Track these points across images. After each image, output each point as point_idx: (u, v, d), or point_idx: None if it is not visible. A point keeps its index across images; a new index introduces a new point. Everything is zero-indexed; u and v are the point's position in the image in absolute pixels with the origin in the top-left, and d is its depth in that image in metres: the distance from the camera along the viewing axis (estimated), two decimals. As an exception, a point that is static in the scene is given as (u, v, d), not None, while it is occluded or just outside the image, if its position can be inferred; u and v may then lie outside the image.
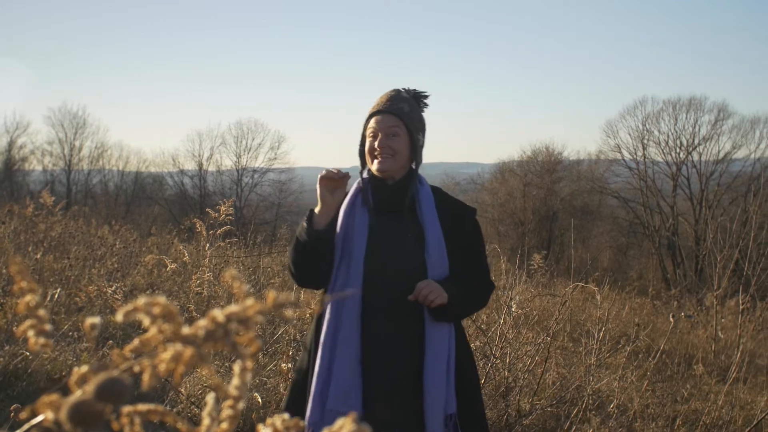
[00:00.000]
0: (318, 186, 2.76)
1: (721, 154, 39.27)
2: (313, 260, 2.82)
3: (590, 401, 5.46)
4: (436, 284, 2.65)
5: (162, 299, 0.68)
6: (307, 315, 5.41)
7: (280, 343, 5.67)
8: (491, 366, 5.29)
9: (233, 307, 0.67)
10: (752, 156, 38.40)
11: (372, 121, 2.85)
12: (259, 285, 8.07)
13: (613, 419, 5.28)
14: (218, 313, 0.67)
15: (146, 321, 0.68)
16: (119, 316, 0.68)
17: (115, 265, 8.49)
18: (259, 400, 4.77)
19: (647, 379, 6.37)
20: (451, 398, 2.71)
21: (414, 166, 2.92)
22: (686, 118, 40.02)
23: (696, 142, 39.68)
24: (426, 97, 2.98)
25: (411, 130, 2.84)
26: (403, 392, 2.69)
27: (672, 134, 40.28)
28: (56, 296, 6.54)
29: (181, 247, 6.86)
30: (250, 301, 0.67)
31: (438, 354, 2.68)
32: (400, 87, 2.97)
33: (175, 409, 4.39)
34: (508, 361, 5.49)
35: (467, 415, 2.78)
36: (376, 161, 2.83)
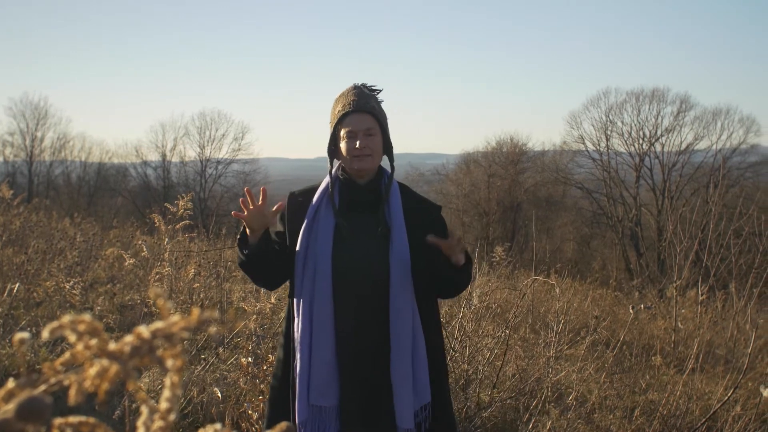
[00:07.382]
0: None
1: (684, 145, 39.91)
2: (259, 272, 2.89)
3: (549, 393, 5.51)
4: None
5: (87, 317, 0.68)
6: (267, 309, 5.42)
7: (240, 337, 5.66)
8: (450, 359, 5.32)
9: (158, 324, 0.68)
10: (714, 147, 39.10)
11: (347, 121, 2.83)
12: (220, 278, 8.03)
13: (572, 411, 5.33)
14: (143, 330, 0.68)
15: (72, 338, 0.68)
16: (45, 334, 0.68)
17: (76, 259, 8.41)
18: (219, 394, 4.76)
19: (606, 370, 6.44)
20: (423, 389, 2.76)
21: (389, 162, 2.98)
22: (649, 109, 40.61)
23: (659, 133, 40.26)
24: (380, 91, 2.99)
25: (384, 128, 2.89)
26: (377, 386, 2.75)
27: (635, 125, 40.83)
28: (15, 291, 6.47)
29: (140, 241, 6.79)
30: (175, 318, 0.68)
31: (402, 348, 2.72)
32: (356, 83, 2.97)
33: (133, 405, 4.37)
34: (467, 353, 5.52)
35: (435, 405, 2.82)
36: (355, 161, 2.83)
